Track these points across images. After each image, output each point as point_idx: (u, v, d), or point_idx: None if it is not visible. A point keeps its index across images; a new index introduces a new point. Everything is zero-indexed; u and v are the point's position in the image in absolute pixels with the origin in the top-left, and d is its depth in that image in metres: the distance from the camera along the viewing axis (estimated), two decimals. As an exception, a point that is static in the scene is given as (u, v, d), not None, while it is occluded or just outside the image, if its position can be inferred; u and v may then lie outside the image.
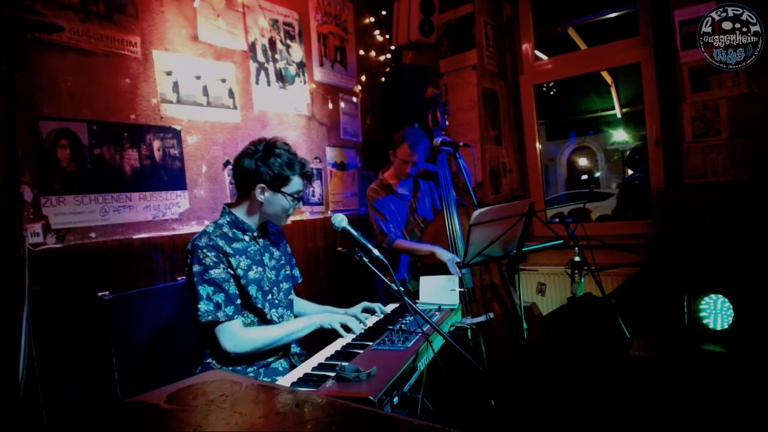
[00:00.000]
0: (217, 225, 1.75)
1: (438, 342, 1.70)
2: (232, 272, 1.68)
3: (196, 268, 1.62)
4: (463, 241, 2.53)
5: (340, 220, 1.75)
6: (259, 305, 1.75)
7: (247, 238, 1.79)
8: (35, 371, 1.78)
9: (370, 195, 2.85)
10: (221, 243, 1.67)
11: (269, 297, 1.80)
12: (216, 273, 1.63)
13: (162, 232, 2.30)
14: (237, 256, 1.71)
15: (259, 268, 1.78)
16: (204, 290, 1.61)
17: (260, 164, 1.72)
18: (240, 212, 1.79)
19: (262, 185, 1.73)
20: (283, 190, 1.75)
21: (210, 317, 1.59)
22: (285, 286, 1.91)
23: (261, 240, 1.84)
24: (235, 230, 1.77)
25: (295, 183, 1.78)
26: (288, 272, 1.97)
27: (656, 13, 3.12)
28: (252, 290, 1.73)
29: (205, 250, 1.63)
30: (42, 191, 1.90)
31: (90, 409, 1.92)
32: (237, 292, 1.68)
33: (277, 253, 1.92)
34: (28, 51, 1.88)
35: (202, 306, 1.59)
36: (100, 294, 1.92)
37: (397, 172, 2.84)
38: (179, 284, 2.21)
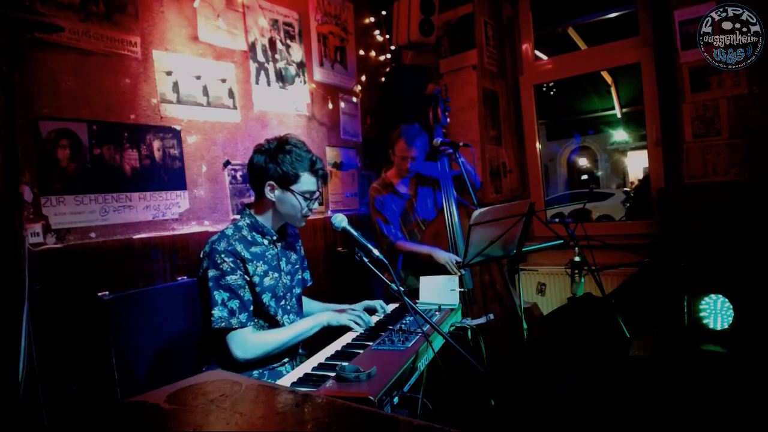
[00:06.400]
0: (237, 227, 1.71)
1: (438, 342, 1.69)
2: (248, 278, 1.65)
3: (212, 272, 1.59)
4: (464, 241, 2.53)
5: (340, 220, 1.74)
6: (272, 312, 1.73)
7: (266, 242, 1.76)
8: (35, 371, 1.78)
9: (372, 194, 2.86)
10: (239, 248, 1.64)
11: (282, 303, 1.79)
12: (232, 279, 1.60)
13: (162, 232, 2.30)
14: (254, 261, 1.68)
15: (275, 274, 1.76)
16: (219, 296, 1.58)
17: (269, 161, 1.67)
18: (258, 214, 1.77)
19: (272, 183, 1.69)
20: (292, 188, 1.69)
21: (223, 323, 1.57)
22: (297, 291, 1.89)
23: (279, 244, 1.81)
24: (254, 233, 1.74)
25: (305, 181, 1.70)
26: (300, 276, 1.95)
27: (656, 13, 3.12)
28: (265, 298, 1.70)
29: (223, 255, 1.60)
30: (42, 191, 1.90)
31: (90, 409, 1.92)
32: (251, 299, 1.66)
33: (293, 257, 1.89)
34: (28, 51, 1.87)
35: (217, 312, 1.57)
36: (100, 294, 1.92)
37: (398, 170, 2.84)
38: (179, 284, 2.22)
